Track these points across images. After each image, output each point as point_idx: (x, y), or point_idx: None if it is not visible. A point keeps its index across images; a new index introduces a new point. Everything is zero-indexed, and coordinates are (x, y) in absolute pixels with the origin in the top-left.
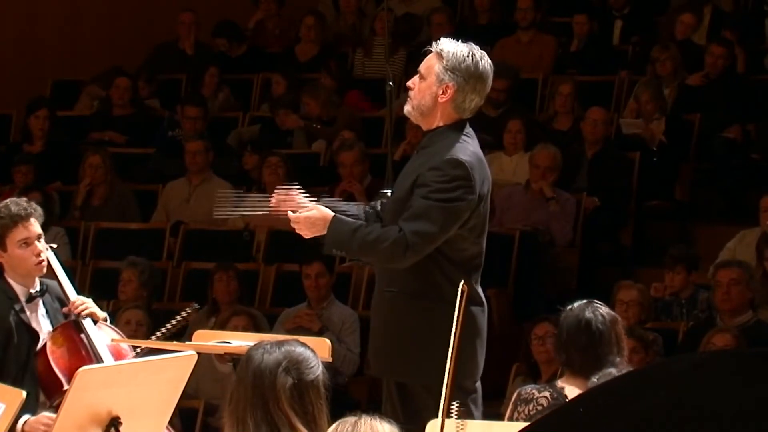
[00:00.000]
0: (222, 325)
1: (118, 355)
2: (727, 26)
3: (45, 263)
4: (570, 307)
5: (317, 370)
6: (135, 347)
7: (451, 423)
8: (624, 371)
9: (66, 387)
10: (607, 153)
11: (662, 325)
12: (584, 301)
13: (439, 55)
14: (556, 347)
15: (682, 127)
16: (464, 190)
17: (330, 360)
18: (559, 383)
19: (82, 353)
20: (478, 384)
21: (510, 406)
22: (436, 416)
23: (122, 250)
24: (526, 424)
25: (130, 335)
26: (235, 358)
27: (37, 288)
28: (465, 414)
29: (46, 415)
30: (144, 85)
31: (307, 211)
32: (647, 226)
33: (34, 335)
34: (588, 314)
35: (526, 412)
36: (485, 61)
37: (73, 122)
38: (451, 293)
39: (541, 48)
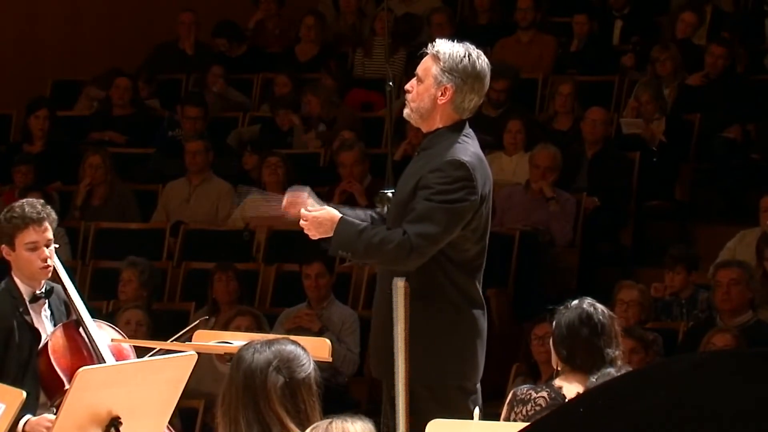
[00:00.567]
0: (225, 325)
1: (119, 355)
2: (727, 26)
3: (50, 269)
4: (565, 305)
5: (308, 368)
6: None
7: (452, 423)
8: (623, 371)
9: (67, 387)
10: (607, 153)
11: (662, 325)
12: (578, 299)
13: (436, 56)
14: (554, 344)
15: (682, 127)
16: (466, 190)
17: (330, 360)
18: (557, 382)
19: (84, 353)
20: (478, 385)
21: (506, 407)
22: (438, 417)
23: (122, 250)
24: (525, 424)
25: (130, 335)
26: None
27: (43, 289)
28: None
29: (47, 417)
30: (144, 85)
31: (316, 211)
32: (647, 226)
33: (36, 335)
34: (588, 308)
35: (524, 412)
36: (482, 60)
37: (73, 122)
38: (453, 294)
39: (541, 48)
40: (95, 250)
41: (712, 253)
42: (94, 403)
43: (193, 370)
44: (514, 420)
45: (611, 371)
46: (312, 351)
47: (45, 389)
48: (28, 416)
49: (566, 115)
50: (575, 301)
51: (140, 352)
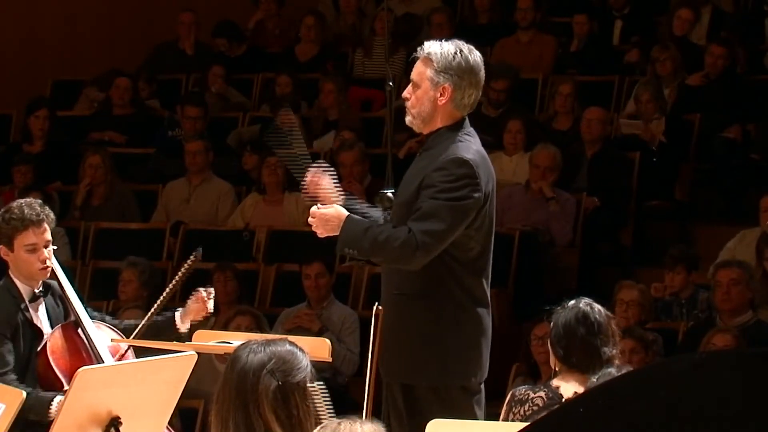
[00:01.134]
0: (225, 325)
1: (116, 354)
2: (727, 26)
3: (49, 270)
4: (562, 305)
5: (305, 371)
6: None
7: (452, 423)
8: (624, 371)
9: (66, 387)
10: (607, 153)
11: (662, 325)
12: (575, 299)
13: (428, 59)
14: (552, 344)
15: (682, 127)
16: (470, 188)
17: (330, 360)
18: (554, 383)
19: (83, 353)
20: (482, 385)
21: (504, 407)
22: (441, 417)
23: (122, 250)
24: (524, 424)
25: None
26: None
27: (41, 288)
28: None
29: None
30: (144, 85)
31: (324, 209)
32: (647, 226)
33: (38, 333)
34: (584, 308)
35: (522, 412)
36: (474, 54)
37: (73, 122)
38: (458, 294)
39: (541, 48)
40: (95, 250)
41: (712, 253)
42: (94, 403)
43: (193, 370)
44: (513, 420)
45: (612, 371)
46: (312, 351)
47: (43, 390)
48: (59, 397)
49: (566, 115)
50: (572, 301)
51: (140, 352)
